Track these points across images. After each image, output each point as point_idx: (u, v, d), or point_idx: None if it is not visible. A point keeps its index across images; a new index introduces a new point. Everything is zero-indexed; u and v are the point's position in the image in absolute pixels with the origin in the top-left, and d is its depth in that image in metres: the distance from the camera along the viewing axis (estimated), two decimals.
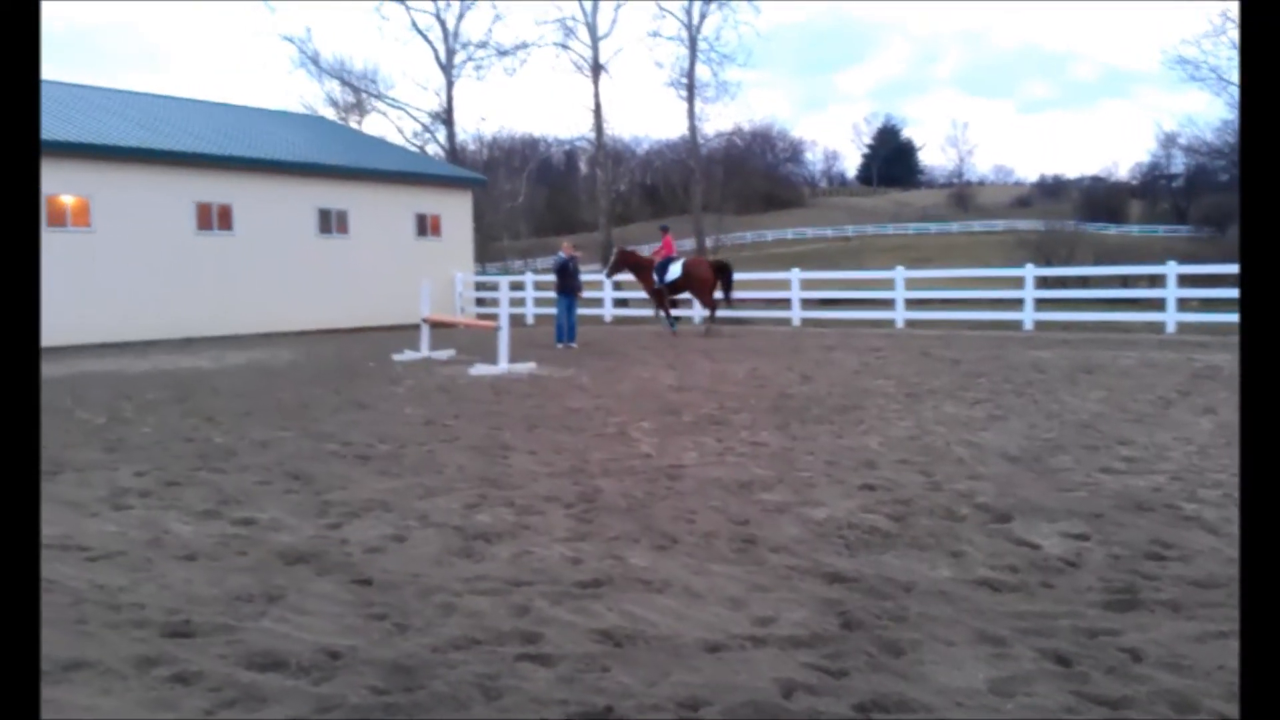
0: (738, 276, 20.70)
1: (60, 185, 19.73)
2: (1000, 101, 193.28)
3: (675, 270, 19.71)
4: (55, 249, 19.48)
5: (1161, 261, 20.25)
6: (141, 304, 20.73)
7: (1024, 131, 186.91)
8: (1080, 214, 73.41)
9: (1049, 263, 34.91)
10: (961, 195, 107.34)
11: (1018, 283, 20.80)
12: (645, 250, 20.82)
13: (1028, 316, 20.00)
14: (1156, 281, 20.22)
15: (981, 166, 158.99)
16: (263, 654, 3.45)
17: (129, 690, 3.19)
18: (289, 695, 3.13)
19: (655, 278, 19.74)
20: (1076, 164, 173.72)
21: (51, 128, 20.34)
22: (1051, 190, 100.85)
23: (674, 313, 20.64)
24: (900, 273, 21.69)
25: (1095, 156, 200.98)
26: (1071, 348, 15.49)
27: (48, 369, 14.44)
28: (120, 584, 4.31)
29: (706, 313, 20.52)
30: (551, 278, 18.32)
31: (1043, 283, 22.19)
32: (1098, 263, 35.88)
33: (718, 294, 19.83)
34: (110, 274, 20.24)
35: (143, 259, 20.79)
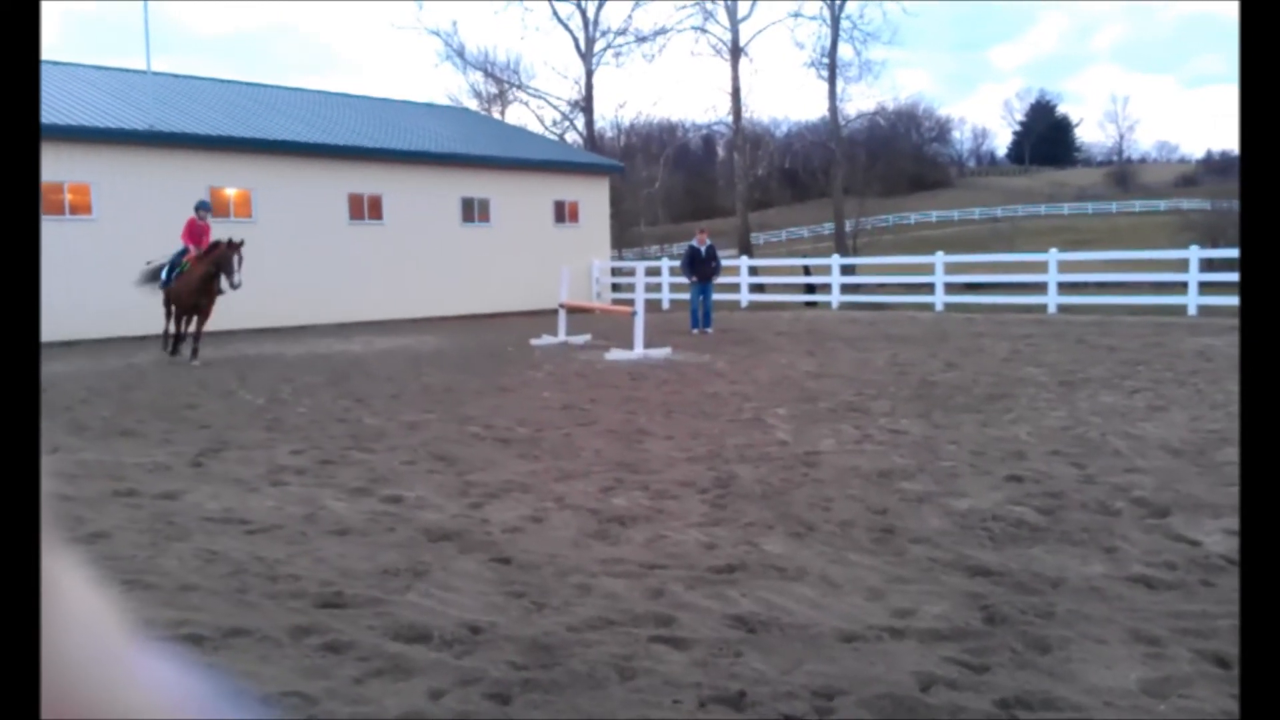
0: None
1: (224, 179, 20.92)
2: (1162, 77, 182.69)
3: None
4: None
5: None
6: (298, 291, 21.74)
7: (1190, 107, 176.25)
8: None
9: (1216, 244, 32.73)
10: (1121, 174, 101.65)
11: (1182, 265, 19.62)
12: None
13: (1192, 301, 18.81)
14: None
15: (1143, 143, 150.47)
16: (409, 627, 3.58)
17: (285, 657, 3.36)
18: (433, 667, 3.24)
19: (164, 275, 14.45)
20: None
21: (217, 124, 21.58)
22: (1220, 168, 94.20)
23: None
24: (1054, 255, 20.76)
25: None
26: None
27: (212, 352, 15.35)
28: (278, 556, 4.55)
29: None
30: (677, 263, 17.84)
31: (1209, 265, 20.75)
32: None
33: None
34: (270, 262, 21.31)
35: (299, 248, 21.81)
